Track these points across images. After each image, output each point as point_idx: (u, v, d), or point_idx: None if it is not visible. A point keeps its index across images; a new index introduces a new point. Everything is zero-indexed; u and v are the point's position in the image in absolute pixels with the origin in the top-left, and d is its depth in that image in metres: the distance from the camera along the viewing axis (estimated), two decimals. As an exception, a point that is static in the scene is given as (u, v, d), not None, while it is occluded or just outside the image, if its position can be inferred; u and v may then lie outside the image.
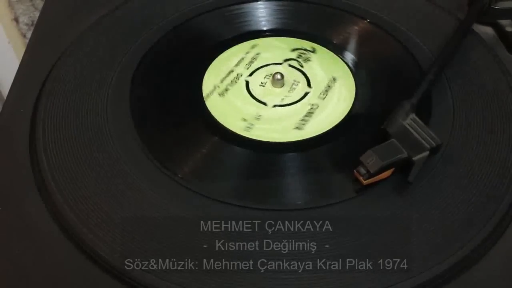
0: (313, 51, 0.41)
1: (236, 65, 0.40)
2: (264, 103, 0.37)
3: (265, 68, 0.40)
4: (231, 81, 0.38)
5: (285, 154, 0.34)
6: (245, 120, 0.35)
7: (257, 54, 0.41)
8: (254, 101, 0.37)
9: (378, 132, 0.32)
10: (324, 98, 0.37)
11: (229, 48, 0.41)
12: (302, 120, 0.36)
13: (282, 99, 0.37)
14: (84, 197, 0.30)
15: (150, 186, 0.31)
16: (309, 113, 0.36)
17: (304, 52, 0.41)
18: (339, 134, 0.35)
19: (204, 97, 0.37)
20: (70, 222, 0.29)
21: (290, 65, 0.40)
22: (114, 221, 0.29)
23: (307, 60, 0.40)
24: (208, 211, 0.30)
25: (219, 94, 0.37)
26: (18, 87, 0.38)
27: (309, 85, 0.38)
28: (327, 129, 0.35)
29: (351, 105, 0.37)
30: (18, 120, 0.35)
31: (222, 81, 0.38)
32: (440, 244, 0.28)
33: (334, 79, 0.39)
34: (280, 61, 0.40)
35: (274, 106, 0.37)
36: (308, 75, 0.39)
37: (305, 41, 0.42)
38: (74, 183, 0.31)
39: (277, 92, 0.38)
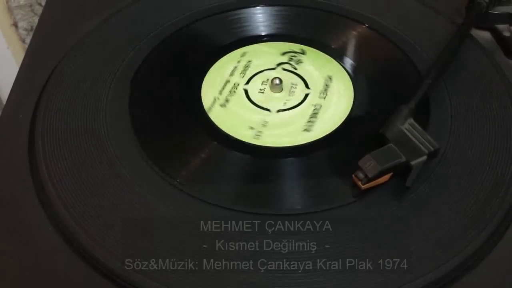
0: (303, 52, 0.41)
1: (231, 74, 0.40)
2: (267, 109, 0.37)
3: (260, 74, 0.40)
4: (230, 91, 0.38)
5: (283, 159, 0.34)
6: (252, 128, 0.36)
7: (249, 61, 0.40)
8: (258, 108, 0.37)
9: (376, 137, 0.32)
10: (325, 98, 0.37)
11: (220, 58, 0.41)
12: (309, 121, 0.36)
13: (284, 103, 0.37)
14: (83, 202, 0.30)
15: (149, 190, 0.31)
16: (314, 114, 0.36)
17: (295, 54, 0.41)
18: (337, 139, 0.35)
19: (206, 110, 0.37)
20: (69, 226, 0.29)
21: (284, 69, 0.40)
22: (112, 225, 0.29)
23: (299, 62, 0.40)
24: (208, 216, 0.30)
25: (221, 106, 0.37)
26: (17, 92, 0.38)
27: (307, 86, 0.39)
28: (335, 128, 0.35)
29: (350, 108, 0.37)
30: (17, 125, 0.35)
31: (221, 93, 0.38)
32: (438, 249, 0.28)
33: (330, 78, 0.39)
34: (273, 66, 0.40)
35: (278, 111, 0.37)
36: (303, 76, 0.39)
37: (293, 44, 0.42)
38: (72, 188, 0.31)
39: (277, 97, 0.38)
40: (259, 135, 0.35)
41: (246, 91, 0.38)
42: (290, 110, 0.37)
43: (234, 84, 0.39)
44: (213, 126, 0.36)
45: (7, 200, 0.31)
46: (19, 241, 0.29)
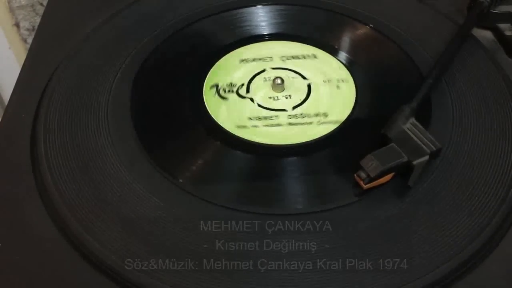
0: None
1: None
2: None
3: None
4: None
5: (285, 158, 0.34)
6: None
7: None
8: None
9: (378, 137, 0.32)
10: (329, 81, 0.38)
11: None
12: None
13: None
14: (85, 202, 0.30)
15: (150, 189, 0.31)
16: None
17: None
18: (339, 138, 0.35)
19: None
20: (71, 226, 0.29)
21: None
22: (114, 225, 0.29)
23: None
24: (209, 215, 0.30)
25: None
26: (19, 92, 0.38)
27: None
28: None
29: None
30: (20, 125, 0.35)
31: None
32: (440, 248, 0.28)
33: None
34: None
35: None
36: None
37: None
38: (75, 188, 0.31)
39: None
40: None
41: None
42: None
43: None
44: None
45: (9, 200, 0.31)
46: (21, 241, 0.29)
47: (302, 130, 0.35)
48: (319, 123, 0.36)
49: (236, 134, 0.35)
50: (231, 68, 0.40)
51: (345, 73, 0.40)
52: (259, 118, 0.36)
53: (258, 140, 0.35)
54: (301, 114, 0.36)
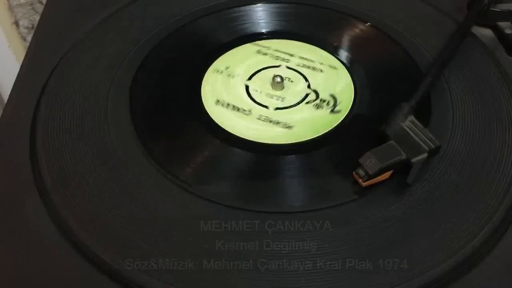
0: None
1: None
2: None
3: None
4: (230, 86, 0.38)
5: (284, 156, 0.34)
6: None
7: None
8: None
9: (377, 134, 0.32)
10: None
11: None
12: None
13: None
14: (84, 201, 0.30)
15: (150, 188, 0.31)
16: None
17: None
18: (338, 136, 0.35)
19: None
20: (71, 225, 0.29)
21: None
22: (114, 224, 0.29)
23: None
24: (209, 213, 0.30)
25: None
26: (18, 91, 0.38)
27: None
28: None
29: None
30: (19, 123, 0.35)
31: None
32: (439, 246, 0.28)
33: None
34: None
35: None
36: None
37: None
38: (74, 187, 0.31)
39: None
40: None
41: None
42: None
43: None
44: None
45: (8, 199, 0.31)
46: (21, 241, 0.29)
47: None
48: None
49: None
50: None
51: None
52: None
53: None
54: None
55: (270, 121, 0.36)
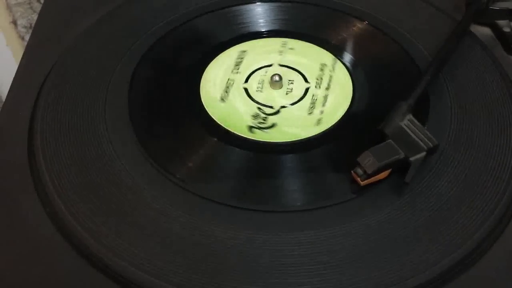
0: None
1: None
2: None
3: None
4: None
5: (282, 155, 0.34)
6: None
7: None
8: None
9: (375, 133, 0.32)
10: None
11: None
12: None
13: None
14: (82, 200, 0.30)
15: (149, 187, 0.31)
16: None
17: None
18: (336, 135, 0.35)
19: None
20: (68, 224, 0.29)
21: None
22: (112, 223, 0.29)
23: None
24: (208, 212, 0.30)
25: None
26: (16, 90, 0.38)
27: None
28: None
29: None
30: (17, 123, 0.35)
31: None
32: (438, 245, 0.28)
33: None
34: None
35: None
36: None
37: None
38: (72, 185, 0.31)
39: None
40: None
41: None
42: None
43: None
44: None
45: (6, 197, 0.31)
46: (18, 239, 0.29)
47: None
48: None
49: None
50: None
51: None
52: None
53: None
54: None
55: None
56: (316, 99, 0.37)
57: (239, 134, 0.35)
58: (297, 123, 0.36)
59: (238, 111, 0.37)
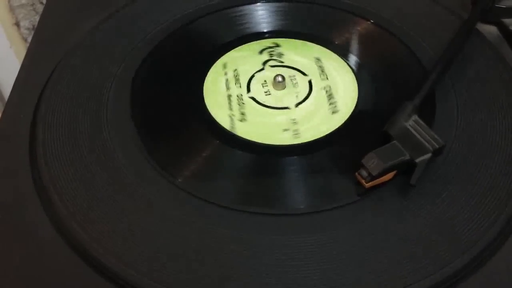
0: (278, 46, 0.41)
1: (227, 88, 0.38)
2: (287, 108, 0.37)
3: (254, 78, 0.39)
4: (239, 104, 0.37)
5: (286, 157, 0.33)
6: (286, 129, 0.35)
7: (235, 70, 0.40)
8: (276, 110, 0.37)
9: (380, 134, 0.32)
10: (327, 78, 0.38)
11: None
12: (331, 104, 0.36)
13: (297, 96, 0.37)
14: (84, 202, 0.30)
15: (151, 189, 0.31)
16: (330, 95, 0.37)
17: (273, 50, 0.41)
18: (340, 136, 0.35)
19: (229, 129, 0.35)
20: (69, 227, 0.29)
21: (271, 66, 0.40)
22: (113, 225, 0.29)
23: (280, 55, 0.41)
24: (210, 215, 0.30)
25: (241, 121, 0.36)
26: (18, 92, 0.38)
27: (304, 74, 0.39)
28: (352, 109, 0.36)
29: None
30: (18, 124, 0.35)
31: (231, 109, 0.37)
32: (444, 247, 0.28)
33: (319, 59, 0.40)
34: (261, 67, 0.40)
35: (297, 105, 0.37)
36: (295, 66, 0.39)
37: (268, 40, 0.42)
38: (74, 189, 0.31)
39: (286, 93, 0.38)
40: (297, 133, 0.35)
41: (253, 98, 0.38)
42: (307, 100, 0.37)
43: (238, 96, 0.38)
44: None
45: (8, 200, 0.31)
46: (20, 242, 0.29)
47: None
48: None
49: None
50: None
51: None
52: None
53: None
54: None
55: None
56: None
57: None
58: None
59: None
